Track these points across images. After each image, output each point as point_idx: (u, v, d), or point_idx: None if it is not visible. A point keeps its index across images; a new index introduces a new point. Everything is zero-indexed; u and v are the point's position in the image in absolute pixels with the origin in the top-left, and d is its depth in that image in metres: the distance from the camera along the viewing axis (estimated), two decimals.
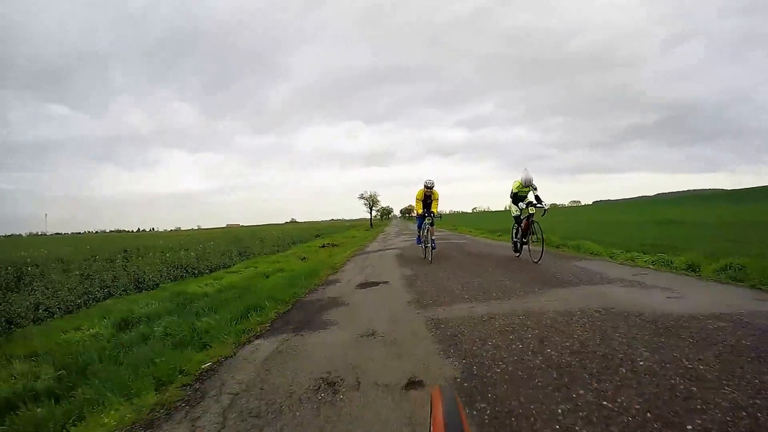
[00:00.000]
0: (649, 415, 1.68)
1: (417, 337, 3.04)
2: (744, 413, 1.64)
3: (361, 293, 5.07)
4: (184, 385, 2.51)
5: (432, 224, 7.97)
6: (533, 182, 6.91)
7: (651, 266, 5.76)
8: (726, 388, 1.87)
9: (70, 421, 2.25)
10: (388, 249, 11.90)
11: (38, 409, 2.43)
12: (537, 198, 6.85)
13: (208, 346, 3.32)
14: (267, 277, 8.11)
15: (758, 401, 1.72)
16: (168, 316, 5.13)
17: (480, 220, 41.32)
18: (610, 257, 7.04)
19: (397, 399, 2.06)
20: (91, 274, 9.59)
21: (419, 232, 8.60)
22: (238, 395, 2.28)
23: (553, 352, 2.47)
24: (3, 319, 6.05)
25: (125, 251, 16.28)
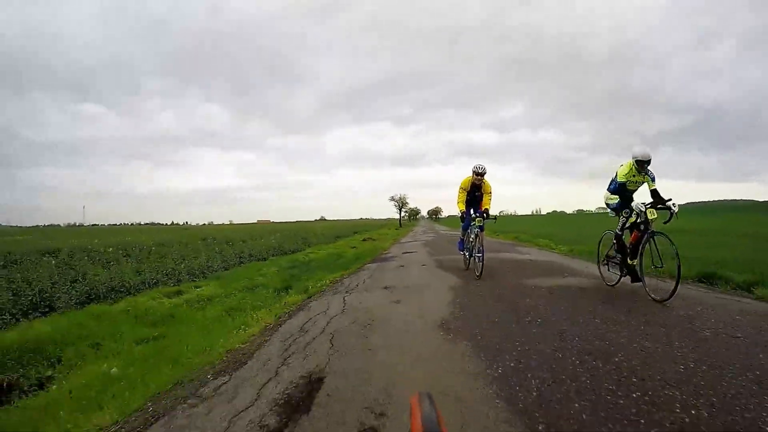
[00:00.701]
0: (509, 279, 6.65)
1: (429, 258, 8.13)
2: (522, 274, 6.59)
3: (404, 256, 10.21)
4: (352, 272, 7.69)
5: (482, 228, 6.26)
6: (650, 170, 4.51)
7: (557, 250, 10.46)
8: (516, 271, 6.81)
9: (314, 277, 7.43)
10: (417, 240, 17.04)
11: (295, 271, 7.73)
12: (656, 195, 4.49)
13: (348, 268, 8.53)
14: (340, 257, 13.33)
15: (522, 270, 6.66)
16: (303, 266, 10.41)
17: (528, 225, 36.62)
18: (543, 247, 11.69)
19: (420, 267, 7.32)
20: (216, 251, 15.14)
21: (463, 235, 6.93)
22: (372, 271, 7.47)
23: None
24: (237, 260, 11.54)
25: (204, 239, 21.95)
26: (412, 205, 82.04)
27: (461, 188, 6.62)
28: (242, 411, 2.12)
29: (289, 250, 17.21)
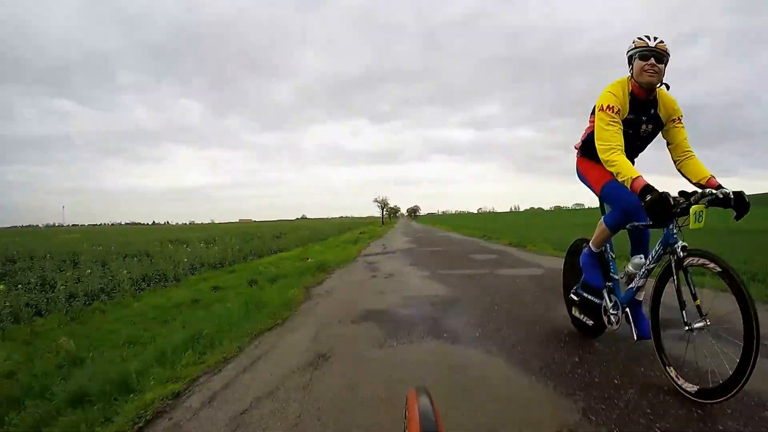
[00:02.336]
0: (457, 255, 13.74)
1: (410, 233, 15.19)
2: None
3: (393, 231, 17.22)
4: (357, 257, 14.63)
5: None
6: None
7: (513, 245, 17.72)
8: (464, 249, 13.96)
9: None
10: (398, 230, 24.03)
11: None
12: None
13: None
14: (355, 242, 20.16)
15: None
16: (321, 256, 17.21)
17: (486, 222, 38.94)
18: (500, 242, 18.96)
19: (405, 249, 14.21)
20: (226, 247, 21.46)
21: (599, 246, 2.62)
22: (368, 257, 14.39)
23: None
24: (250, 255, 18.18)
25: (207, 240, 28.06)
26: (392, 204, 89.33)
27: (605, 108, 2.16)
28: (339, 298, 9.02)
29: (293, 245, 23.76)
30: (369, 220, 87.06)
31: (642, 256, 2.37)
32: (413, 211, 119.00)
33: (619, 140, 2.10)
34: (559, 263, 4.06)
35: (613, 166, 2.05)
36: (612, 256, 2.64)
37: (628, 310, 2.38)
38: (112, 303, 7.19)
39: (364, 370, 2.62)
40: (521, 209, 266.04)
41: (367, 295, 5.22)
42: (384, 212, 69.67)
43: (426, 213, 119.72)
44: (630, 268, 2.39)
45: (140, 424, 2.12)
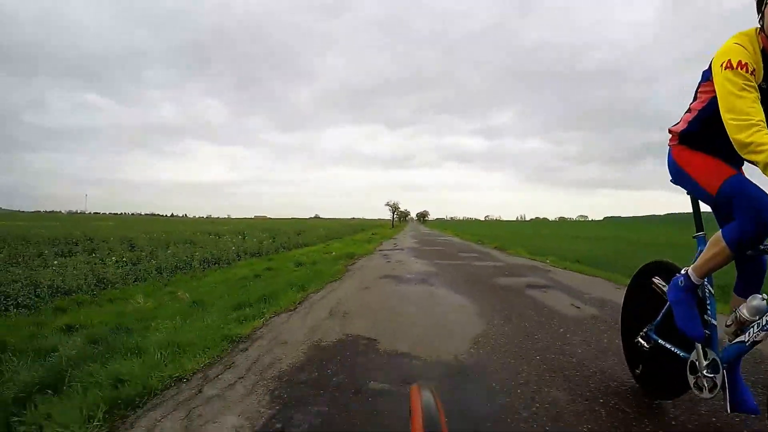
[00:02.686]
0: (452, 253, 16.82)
1: (417, 236, 18.29)
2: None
3: (404, 233, 20.32)
4: (374, 251, 17.78)
5: None
6: None
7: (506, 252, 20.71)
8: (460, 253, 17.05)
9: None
10: (408, 233, 27.21)
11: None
12: None
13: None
14: (369, 242, 23.31)
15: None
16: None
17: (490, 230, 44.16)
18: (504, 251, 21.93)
19: (411, 247, 17.33)
20: (259, 240, 24.93)
21: (721, 261, 1.64)
22: (382, 251, 17.52)
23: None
24: (280, 247, 21.49)
25: (236, 233, 31.56)
26: (402, 208, 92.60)
27: (736, 65, 1.42)
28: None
29: (318, 241, 27.05)
30: (379, 223, 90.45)
31: (765, 296, 1.53)
32: (422, 216, 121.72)
33: (760, 113, 1.36)
34: (522, 262, 7.34)
35: (759, 151, 1.28)
36: (711, 292, 1.78)
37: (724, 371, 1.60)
38: (186, 277, 9.21)
39: (386, 292, 5.73)
40: (527, 218, 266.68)
41: (385, 269, 8.35)
42: (394, 216, 72.86)
43: (435, 218, 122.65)
44: (744, 312, 1.53)
45: (292, 308, 5.18)
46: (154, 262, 10.20)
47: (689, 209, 1.95)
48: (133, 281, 8.73)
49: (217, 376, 2.52)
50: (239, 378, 2.49)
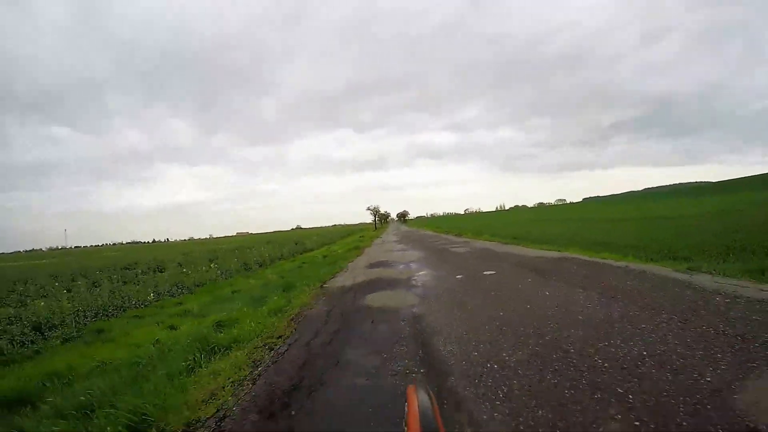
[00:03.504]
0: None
1: (398, 234, 24.19)
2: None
3: (387, 233, 26.19)
4: (370, 246, 23.59)
5: None
6: None
7: (480, 239, 26.80)
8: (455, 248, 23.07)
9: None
10: (390, 232, 33.15)
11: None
12: None
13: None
14: (362, 241, 28.98)
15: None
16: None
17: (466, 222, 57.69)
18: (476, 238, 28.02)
19: (395, 240, 23.22)
20: (273, 250, 30.34)
21: None
22: (376, 245, 23.34)
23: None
24: (293, 253, 27.04)
25: (244, 247, 36.87)
26: (382, 210, 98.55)
27: None
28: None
29: (313, 247, 32.59)
30: (362, 226, 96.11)
31: None
32: (402, 216, 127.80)
33: None
34: (485, 246, 13.74)
35: None
36: None
37: None
38: (236, 277, 15.23)
39: (386, 254, 11.78)
40: (506, 208, 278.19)
41: (381, 249, 14.46)
42: (376, 218, 78.66)
43: (415, 216, 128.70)
44: None
45: (345, 268, 11.02)
46: (216, 267, 15.63)
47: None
48: (226, 277, 14.23)
49: (336, 275, 8.46)
50: (344, 278, 8.38)
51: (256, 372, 3.32)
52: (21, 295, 12.04)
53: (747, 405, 2.06)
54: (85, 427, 2.61)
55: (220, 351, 4.02)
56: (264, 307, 5.87)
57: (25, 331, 7.00)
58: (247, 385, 3.06)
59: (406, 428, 0.57)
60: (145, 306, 9.50)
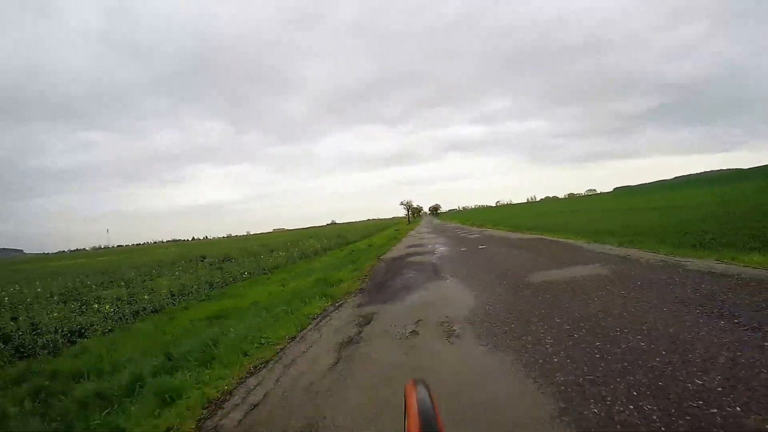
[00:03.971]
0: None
1: (430, 226, 28.54)
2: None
3: (420, 226, 30.61)
4: (405, 236, 28.06)
5: None
6: None
7: (489, 228, 30.74)
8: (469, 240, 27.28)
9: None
10: (423, 225, 37.42)
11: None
12: None
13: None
14: (397, 234, 33.48)
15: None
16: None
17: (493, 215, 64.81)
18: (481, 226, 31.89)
19: (426, 232, 27.63)
20: (317, 243, 35.23)
21: None
22: (411, 236, 27.79)
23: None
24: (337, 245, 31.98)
25: (288, 243, 42.10)
26: (414, 204, 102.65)
27: None
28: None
29: (361, 237, 37.35)
30: (396, 220, 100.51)
31: None
32: (435, 210, 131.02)
33: None
34: (493, 233, 18.40)
35: None
36: None
37: None
38: (300, 263, 20.11)
39: (420, 241, 16.43)
40: (537, 199, 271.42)
41: (417, 240, 18.85)
42: (409, 212, 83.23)
43: (447, 210, 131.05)
44: None
45: (392, 251, 15.62)
46: (283, 254, 20.46)
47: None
48: (293, 263, 19.10)
49: (386, 253, 13.13)
50: (391, 254, 13.01)
51: (363, 285, 7.80)
52: (114, 281, 14.46)
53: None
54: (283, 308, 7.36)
55: (334, 285, 8.29)
56: (345, 269, 10.42)
57: (161, 297, 9.61)
58: (365, 283, 7.67)
59: (405, 423, 0.56)
60: (244, 279, 12.49)
